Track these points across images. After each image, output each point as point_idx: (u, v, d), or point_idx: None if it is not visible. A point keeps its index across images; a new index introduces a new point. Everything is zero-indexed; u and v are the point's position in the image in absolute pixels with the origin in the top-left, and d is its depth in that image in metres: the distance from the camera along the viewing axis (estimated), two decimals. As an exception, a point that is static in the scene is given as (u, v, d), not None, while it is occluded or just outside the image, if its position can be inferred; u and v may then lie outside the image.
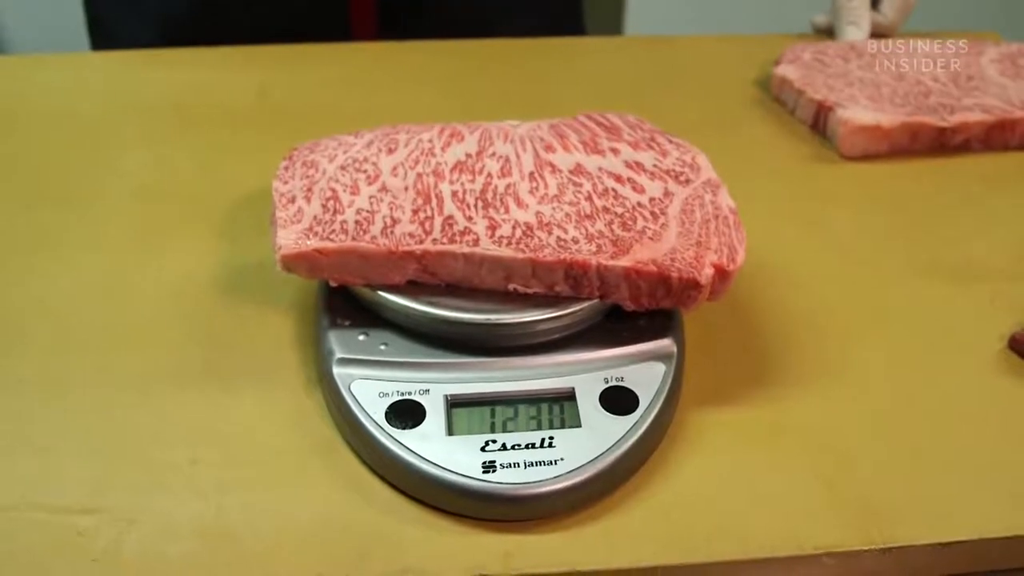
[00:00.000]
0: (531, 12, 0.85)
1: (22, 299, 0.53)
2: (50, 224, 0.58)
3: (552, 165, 0.50)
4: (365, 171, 0.49)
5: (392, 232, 0.45)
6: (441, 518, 0.42)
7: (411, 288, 0.46)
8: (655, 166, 0.50)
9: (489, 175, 0.49)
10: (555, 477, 0.41)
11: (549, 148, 0.51)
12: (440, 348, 0.45)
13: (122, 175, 0.62)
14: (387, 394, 0.44)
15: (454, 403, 0.44)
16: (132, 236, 0.56)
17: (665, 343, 0.46)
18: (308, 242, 0.45)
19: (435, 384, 0.44)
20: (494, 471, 0.41)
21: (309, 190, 0.48)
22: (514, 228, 0.46)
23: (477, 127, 0.52)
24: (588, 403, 0.44)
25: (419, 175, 0.49)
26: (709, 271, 0.45)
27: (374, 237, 0.45)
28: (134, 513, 0.42)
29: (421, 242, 0.45)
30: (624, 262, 0.45)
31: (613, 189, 0.48)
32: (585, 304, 0.46)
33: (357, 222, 0.46)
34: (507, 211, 0.47)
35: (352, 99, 0.70)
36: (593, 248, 0.45)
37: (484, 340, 0.45)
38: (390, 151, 0.50)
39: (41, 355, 0.49)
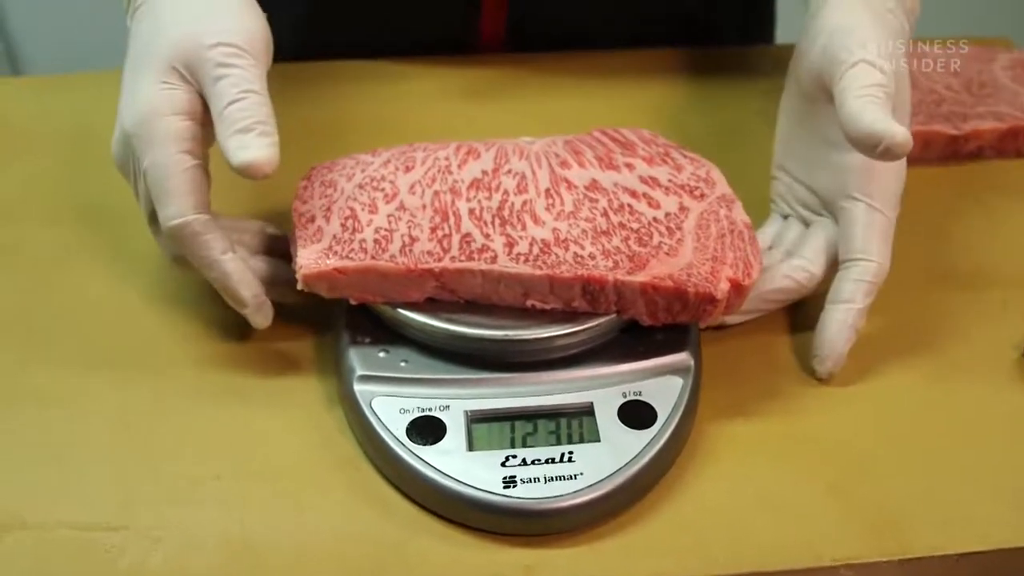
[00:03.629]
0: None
1: (47, 314, 0.53)
2: (73, 240, 0.58)
3: (568, 181, 0.50)
4: (383, 189, 0.49)
5: (411, 250, 0.46)
6: (462, 533, 0.43)
7: (430, 305, 0.46)
8: (670, 181, 0.51)
9: (506, 192, 0.49)
10: (575, 492, 0.42)
11: (564, 164, 0.51)
12: (460, 364, 0.46)
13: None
14: (408, 410, 0.44)
15: (474, 419, 0.44)
16: (155, 252, 0.57)
17: (682, 357, 0.47)
18: (328, 261, 0.45)
19: (455, 400, 0.45)
20: (514, 486, 0.42)
21: (328, 209, 0.48)
22: (531, 245, 0.46)
23: (493, 144, 0.53)
24: (607, 417, 0.44)
25: (436, 193, 0.49)
26: (725, 286, 0.45)
27: (393, 256, 0.46)
28: (160, 529, 0.43)
29: (439, 260, 0.46)
30: (641, 278, 0.45)
31: (629, 204, 0.49)
32: (602, 319, 0.46)
33: (376, 240, 0.46)
34: (524, 228, 0.47)
35: (370, 115, 0.71)
36: (610, 264, 0.46)
37: (503, 356, 0.46)
38: (407, 169, 0.51)
39: (66, 370, 0.50)
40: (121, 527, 0.43)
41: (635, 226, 0.48)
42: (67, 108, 0.71)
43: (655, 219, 0.48)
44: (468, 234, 0.47)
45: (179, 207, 0.46)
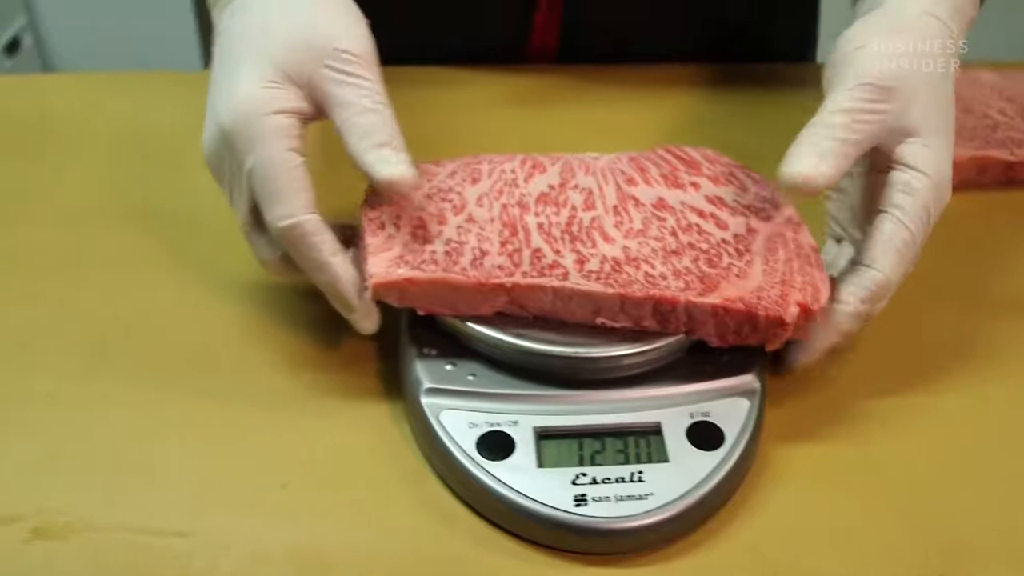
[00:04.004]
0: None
1: (113, 320, 0.53)
2: (136, 245, 0.58)
3: (635, 199, 0.50)
4: (451, 200, 0.49)
5: (481, 264, 0.46)
6: (530, 549, 0.43)
7: (499, 320, 0.46)
8: (735, 201, 0.51)
9: (573, 208, 0.49)
10: (646, 512, 0.42)
11: (631, 181, 0.51)
12: (527, 380, 0.46)
13: (197, 194, 0.63)
14: (476, 425, 0.44)
15: (543, 435, 0.44)
16: (220, 257, 0.57)
17: (748, 379, 0.47)
18: (399, 271, 0.45)
19: (523, 416, 0.45)
20: (585, 504, 0.42)
21: (398, 217, 0.48)
22: (602, 263, 0.46)
23: (558, 159, 0.53)
24: (674, 438, 0.44)
25: (504, 206, 0.49)
26: (794, 310, 0.45)
27: (464, 268, 0.46)
28: (227, 537, 0.43)
29: (511, 275, 0.46)
30: (712, 299, 0.45)
31: (697, 224, 0.49)
32: (670, 339, 0.46)
33: (447, 252, 0.46)
34: (594, 245, 0.47)
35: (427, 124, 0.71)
36: (681, 284, 0.46)
37: (571, 373, 0.46)
38: (474, 181, 0.51)
39: (127, 375, 0.50)
40: (189, 534, 0.43)
41: (704, 246, 0.48)
42: (122, 107, 0.71)
43: (723, 240, 0.48)
44: (538, 249, 0.47)
45: (289, 207, 0.45)
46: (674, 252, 0.47)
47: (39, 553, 0.42)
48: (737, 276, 0.46)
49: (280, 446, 0.47)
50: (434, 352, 0.47)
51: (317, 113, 0.47)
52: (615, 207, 0.50)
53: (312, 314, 0.53)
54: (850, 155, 0.47)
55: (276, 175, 0.45)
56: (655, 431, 0.45)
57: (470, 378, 0.46)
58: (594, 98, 0.73)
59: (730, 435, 0.45)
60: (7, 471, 0.46)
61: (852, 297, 0.47)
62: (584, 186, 0.51)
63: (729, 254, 0.48)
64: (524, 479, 0.43)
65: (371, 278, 0.46)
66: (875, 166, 0.49)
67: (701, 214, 0.50)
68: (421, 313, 0.47)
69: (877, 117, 0.47)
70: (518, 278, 0.45)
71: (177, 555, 0.42)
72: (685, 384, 0.46)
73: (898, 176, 0.48)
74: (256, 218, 0.47)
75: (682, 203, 0.50)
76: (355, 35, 0.47)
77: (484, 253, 0.47)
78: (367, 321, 0.47)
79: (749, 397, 0.46)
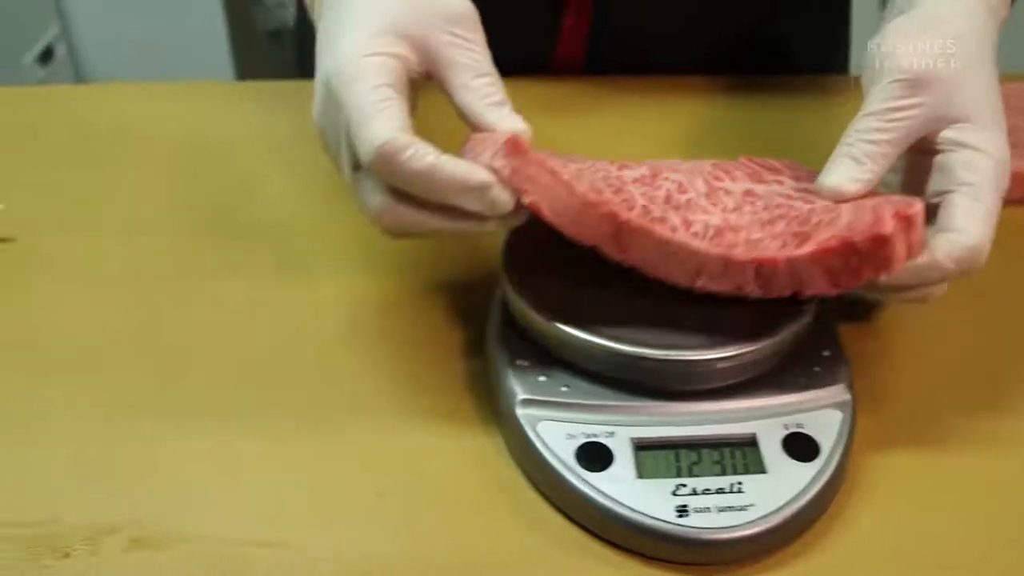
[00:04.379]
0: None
1: (182, 327, 0.54)
2: (200, 253, 0.59)
3: (724, 190, 0.50)
4: (557, 159, 0.48)
5: (600, 195, 0.46)
6: (628, 558, 0.43)
7: (592, 324, 0.46)
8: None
9: (668, 191, 0.49)
10: (748, 523, 0.42)
11: (718, 179, 0.51)
12: (620, 391, 0.46)
13: (264, 204, 0.63)
14: (574, 436, 0.45)
15: (641, 446, 0.44)
16: (291, 264, 0.57)
17: (839, 389, 0.47)
18: (540, 157, 0.45)
19: (619, 427, 0.45)
20: (687, 515, 0.42)
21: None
22: (706, 227, 0.46)
23: (644, 163, 0.53)
24: (770, 449, 0.45)
25: (606, 178, 0.49)
26: (891, 221, 0.43)
27: (586, 190, 0.45)
28: (325, 546, 0.43)
29: (628, 211, 0.45)
30: (809, 248, 0.44)
31: (786, 204, 0.49)
32: (763, 343, 0.46)
33: (567, 178, 0.45)
34: (696, 213, 0.47)
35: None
36: (779, 244, 0.45)
37: (664, 382, 0.46)
38: (571, 161, 0.50)
39: (211, 383, 0.51)
40: (286, 544, 0.43)
41: (795, 214, 0.47)
42: (180, 116, 0.72)
43: (812, 209, 0.48)
44: (646, 206, 0.47)
45: (380, 129, 0.43)
46: (768, 222, 0.47)
47: (140, 562, 0.43)
48: (827, 224, 0.46)
49: (374, 454, 0.47)
50: (526, 363, 0.47)
51: (423, 68, 0.47)
52: (707, 193, 0.50)
53: (397, 320, 0.53)
54: (888, 155, 0.47)
55: (366, 104, 0.44)
56: (750, 442, 0.45)
57: (564, 389, 0.46)
58: (618, 108, 0.73)
59: (825, 447, 0.45)
60: (103, 481, 0.46)
61: (941, 253, 0.44)
62: (675, 179, 0.51)
63: (818, 214, 0.47)
64: (625, 489, 0.43)
65: (509, 142, 0.44)
66: (920, 147, 0.48)
67: (789, 197, 0.50)
68: (526, 203, 0.45)
69: (914, 112, 0.47)
70: (632, 216, 0.45)
71: (277, 564, 0.43)
72: (777, 395, 0.46)
73: (956, 157, 0.46)
74: (359, 165, 0.45)
75: (770, 192, 0.50)
76: (469, 9, 0.48)
77: (599, 191, 0.46)
78: (504, 194, 0.44)
79: (841, 408, 0.46)
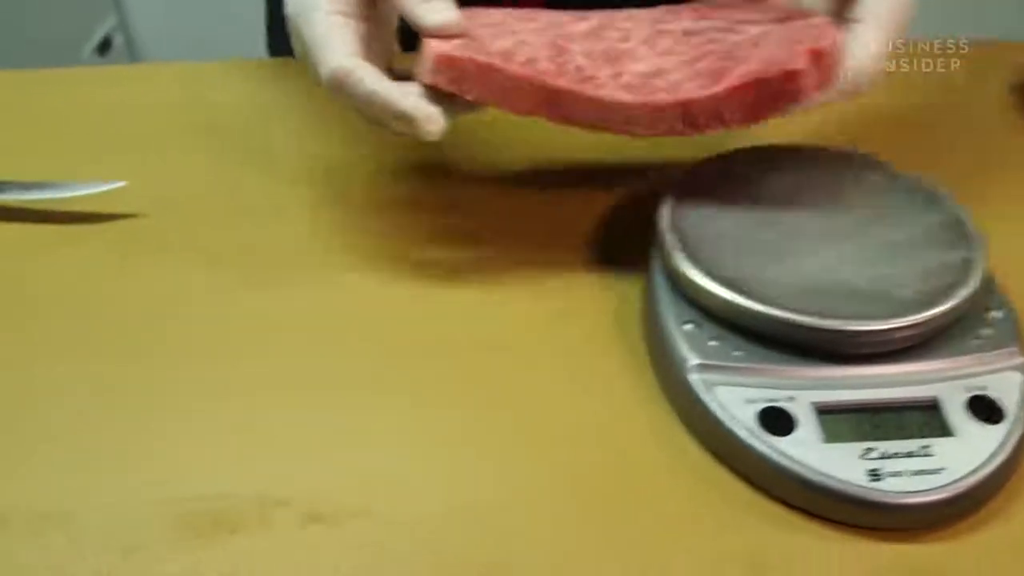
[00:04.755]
0: None
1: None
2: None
3: (665, 31, 0.52)
4: (507, 28, 0.52)
5: (533, 66, 0.48)
6: (816, 523, 0.42)
7: (769, 295, 0.45)
8: (769, 21, 0.52)
9: (609, 43, 0.51)
10: (942, 486, 0.41)
11: (664, 22, 0.53)
12: (796, 355, 0.45)
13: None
14: (754, 401, 0.44)
15: (823, 410, 0.43)
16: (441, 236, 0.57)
17: (1014, 351, 0.46)
18: (462, 53, 0.47)
19: (798, 391, 0.44)
20: (880, 479, 0.41)
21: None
22: (634, 76, 0.49)
23: (598, 12, 0.55)
24: (954, 412, 0.44)
25: (554, 37, 0.51)
26: (802, 57, 0.46)
27: (520, 64, 0.48)
28: (511, 521, 0.43)
29: (556, 79, 0.48)
30: (723, 86, 0.47)
31: (720, 37, 0.51)
32: (937, 310, 0.45)
33: (502, 53, 0.49)
34: (628, 63, 0.50)
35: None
36: (698, 84, 0.47)
37: (839, 347, 0.45)
38: (529, 20, 0.53)
39: (358, 357, 0.50)
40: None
41: (720, 49, 0.50)
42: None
43: (737, 43, 0.50)
44: (581, 66, 0.49)
45: (329, 55, 0.46)
46: (695, 60, 0.49)
47: (315, 537, 0.42)
48: (745, 60, 0.48)
49: (547, 421, 0.47)
50: (691, 326, 0.47)
51: None
52: (646, 39, 0.52)
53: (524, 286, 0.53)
54: None
55: (317, 34, 0.47)
56: (932, 405, 0.44)
57: (736, 354, 0.45)
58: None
59: (1009, 409, 0.44)
60: (277, 454, 0.45)
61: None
62: (622, 27, 0.53)
63: (741, 48, 0.49)
64: (812, 454, 0.42)
65: (432, 50, 0.47)
66: None
67: (724, 30, 0.52)
68: (468, 98, 0.48)
69: None
70: (561, 83, 0.48)
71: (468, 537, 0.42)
72: (953, 357, 0.45)
73: None
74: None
75: (707, 27, 0.52)
76: None
77: (534, 60, 0.49)
78: (430, 123, 0.47)
79: (1020, 370, 0.45)
